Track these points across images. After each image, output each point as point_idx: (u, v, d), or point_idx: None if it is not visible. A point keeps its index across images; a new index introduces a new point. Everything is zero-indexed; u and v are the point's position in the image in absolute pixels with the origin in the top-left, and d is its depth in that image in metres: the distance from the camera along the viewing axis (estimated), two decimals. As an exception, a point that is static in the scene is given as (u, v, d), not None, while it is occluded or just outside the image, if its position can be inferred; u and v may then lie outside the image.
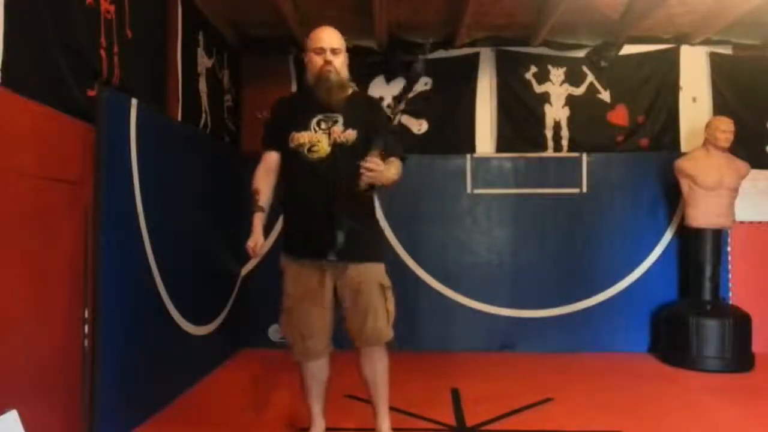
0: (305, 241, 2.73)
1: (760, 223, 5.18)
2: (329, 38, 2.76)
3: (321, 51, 2.73)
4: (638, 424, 3.28)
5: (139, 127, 3.15)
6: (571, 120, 5.31)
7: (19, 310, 2.32)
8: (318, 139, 2.70)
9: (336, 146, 2.70)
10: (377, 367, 2.83)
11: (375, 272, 2.78)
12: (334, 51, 2.74)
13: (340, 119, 2.73)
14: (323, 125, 2.72)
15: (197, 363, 4.09)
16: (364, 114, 2.78)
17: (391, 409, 3.30)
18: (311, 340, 2.78)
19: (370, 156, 2.55)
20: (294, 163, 2.74)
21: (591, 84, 5.31)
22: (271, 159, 2.82)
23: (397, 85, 5.12)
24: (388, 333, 2.80)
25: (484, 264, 5.17)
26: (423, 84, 5.30)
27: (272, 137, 2.83)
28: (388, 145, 2.66)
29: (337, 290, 2.78)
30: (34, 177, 2.43)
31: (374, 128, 2.69)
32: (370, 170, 2.54)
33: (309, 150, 2.70)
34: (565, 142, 5.31)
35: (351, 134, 2.72)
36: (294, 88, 5.33)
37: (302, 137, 2.71)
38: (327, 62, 2.72)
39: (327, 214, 2.62)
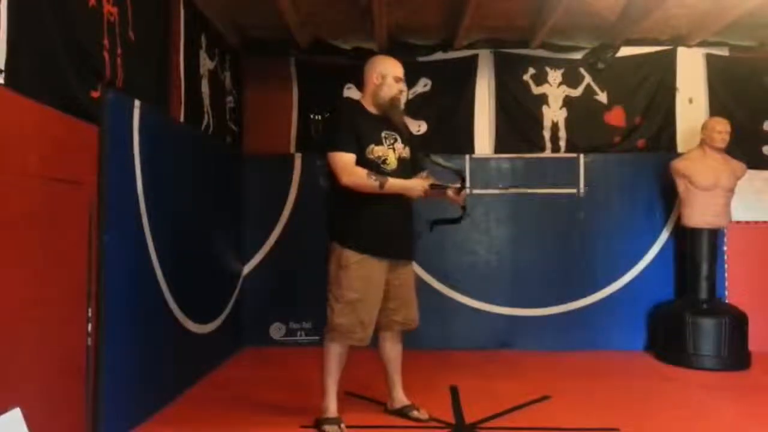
0: (382, 242, 3.11)
1: (756, 222, 5.22)
2: (402, 70, 3.25)
3: (399, 80, 3.22)
4: (635, 421, 3.31)
5: (142, 128, 3.18)
6: (568, 121, 5.35)
7: (23, 309, 2.34)
8: (388, 153, 3.13)
9: (400, 160, 3.16)
10: (401, 346, 3.36)
11: (413, 268, 3.36)
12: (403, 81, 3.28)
13: (398, 137, 3.20)
14: (388, 141, 3.16)
15: (199, 361, 4.12)
16: (409, 134, 3.33)
17: (391, 406, 3.36)
18: (370, 328, 3.14)
19: (423, 177, 3.21)
20: (371, 171, 3.06)
21: (588, 85, 5.35)
22: (354, 161, 3.06)
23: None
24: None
25: (482, 263, 5.21)
26: (422, 85, 5.34)
27: (351, 142, 3.08)
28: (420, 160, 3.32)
29: (387, 284, 3.17)
30: (38, 177, 2.45)
31: (414, 147, 3.28)
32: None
33: (383, 162, 3.10)
34: (562, 143, 5.35)
35: (407, 151, 3.22)
36: (295, 89, 5.36)
37: (379, 150, 3.11)
38: (401, 91, 3.24)
39: (402, 220, 3.18)
